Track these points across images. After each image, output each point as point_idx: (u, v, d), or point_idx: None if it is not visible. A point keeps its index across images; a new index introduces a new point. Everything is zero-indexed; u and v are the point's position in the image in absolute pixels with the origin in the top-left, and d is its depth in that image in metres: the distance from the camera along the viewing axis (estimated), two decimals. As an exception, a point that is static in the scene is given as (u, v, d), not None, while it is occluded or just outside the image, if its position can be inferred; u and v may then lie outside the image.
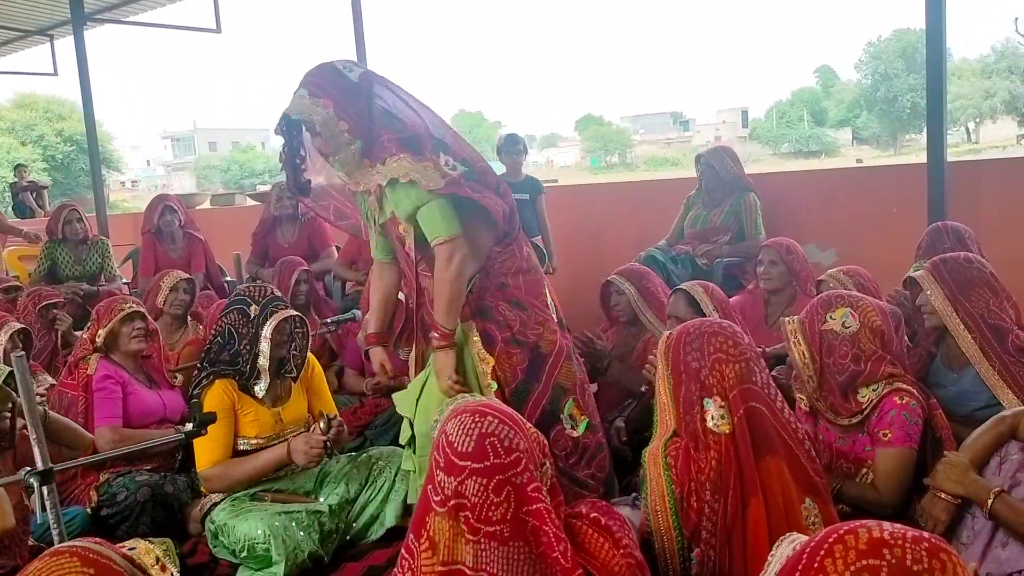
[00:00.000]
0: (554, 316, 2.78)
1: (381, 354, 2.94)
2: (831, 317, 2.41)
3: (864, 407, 2.39)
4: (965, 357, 2.66)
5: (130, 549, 1.37)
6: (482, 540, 1.51)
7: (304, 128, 2.65)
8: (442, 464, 1.57)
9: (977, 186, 4.54)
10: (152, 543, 1.42)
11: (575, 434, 2.67)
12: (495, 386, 2.63)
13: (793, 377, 2.55)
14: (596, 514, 1.72)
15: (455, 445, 1.56)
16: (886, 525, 1.05)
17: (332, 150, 2.61)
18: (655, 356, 2.78)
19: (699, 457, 1.88)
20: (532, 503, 1.55)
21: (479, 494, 1.52)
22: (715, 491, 1.84)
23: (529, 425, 1.65)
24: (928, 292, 2.69)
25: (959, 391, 2.70)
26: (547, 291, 2.81)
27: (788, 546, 1.16)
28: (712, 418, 1.87)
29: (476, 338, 2.67)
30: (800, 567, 1.06)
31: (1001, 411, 2.50)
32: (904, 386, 2.38)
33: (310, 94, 2.56)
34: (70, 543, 1.33)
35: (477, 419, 1.59)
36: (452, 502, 1.53)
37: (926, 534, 1.04)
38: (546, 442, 1.69)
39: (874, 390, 2.39)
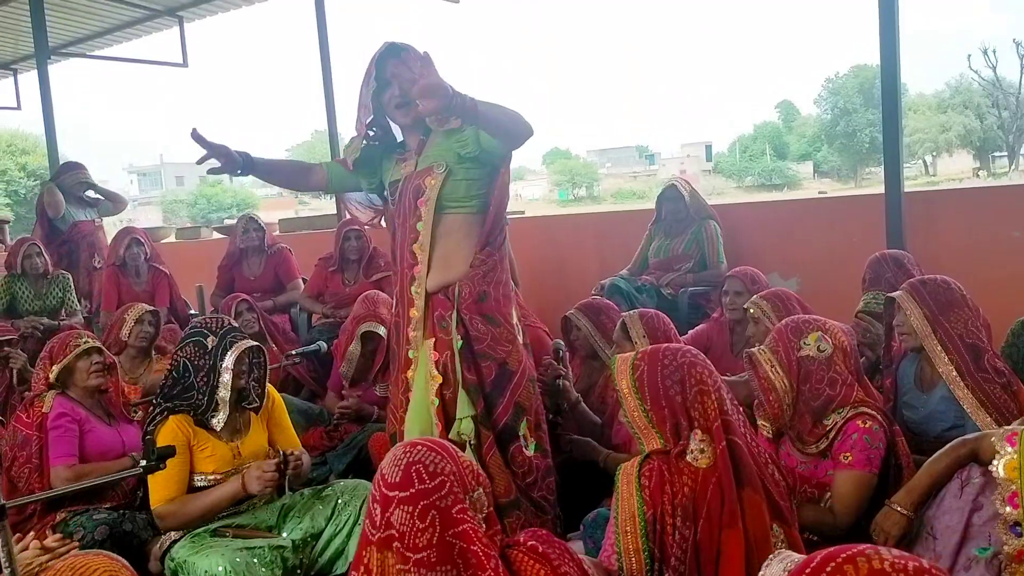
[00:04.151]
0: (520, 337, 2.79)
1: None
2: (805, 343, 2.43)
3: (829, 430, 2.40)
4: (935, 378, 2.67)
5: None
6: (411, 569, 1.52)
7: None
8: (377, 497, 1.60)
9: (934, 215, 4.65)
10: None
11: (528, 453, 2.69)
12: (437, 403, 2.66)
13: (755, 405, 2.57)
14: (534, 542, 1.70)
15: (386, 477, 1.60)
16: (885, 553, 1.03)
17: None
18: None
19: (674, 480, 1.87)
20: (458, 524, 1.56)
21: (406, 522, 1.54)
22: (685, 518, 1.83)
23: (462, 455, 1.68)
24: (907, 313, 2.69)
25: (928, 412, 2.71)
26: (515, 310, 2.82)
27: (778, 564, 1.15)
28: (692, 452, 1.86)
29: (432, 355, 2.69)
30: None
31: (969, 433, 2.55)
32: (869, 411, 2.39)
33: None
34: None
35: (408, 449, 1.63)
36: (383, 533, 1.56)
37: (926, 563, 1.02)
38: (482, 473, 1.71)
39: (839, 413, 2.40)
